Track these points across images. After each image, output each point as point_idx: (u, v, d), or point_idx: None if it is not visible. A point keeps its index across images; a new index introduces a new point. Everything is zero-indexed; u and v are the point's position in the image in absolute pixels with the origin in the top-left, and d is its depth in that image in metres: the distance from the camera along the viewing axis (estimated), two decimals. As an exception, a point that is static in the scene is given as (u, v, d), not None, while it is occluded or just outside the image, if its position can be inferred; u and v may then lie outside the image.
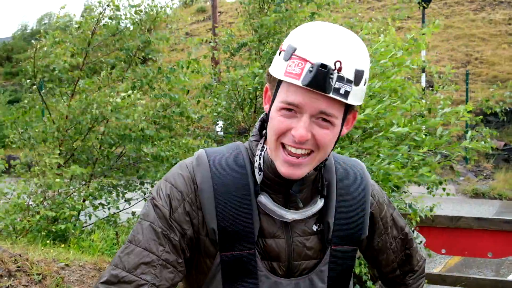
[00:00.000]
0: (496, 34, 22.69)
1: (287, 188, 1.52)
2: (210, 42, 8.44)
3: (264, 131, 1.55)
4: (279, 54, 1.42)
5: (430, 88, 5.35)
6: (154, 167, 7.06)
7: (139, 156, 7.52)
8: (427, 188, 5.37)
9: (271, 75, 1.46)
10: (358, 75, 1.37)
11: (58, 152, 6.59)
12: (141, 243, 1.47)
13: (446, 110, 4.63)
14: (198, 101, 7.61)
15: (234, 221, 1.49)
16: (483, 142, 4.97)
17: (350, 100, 1.37)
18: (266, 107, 1.52)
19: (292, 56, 1.36)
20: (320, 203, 1.56)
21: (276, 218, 1.51)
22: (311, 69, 1.31)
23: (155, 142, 7.10)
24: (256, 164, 1.53)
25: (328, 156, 1.53)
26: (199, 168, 1.53)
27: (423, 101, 5.08)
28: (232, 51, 7.58)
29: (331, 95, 1.33)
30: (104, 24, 7.56)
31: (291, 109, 1.39)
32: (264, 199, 1.50)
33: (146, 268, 1.44)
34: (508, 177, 14.91)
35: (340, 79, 1.33)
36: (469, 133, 4.98)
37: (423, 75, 15.60)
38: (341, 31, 1.40)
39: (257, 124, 1.61)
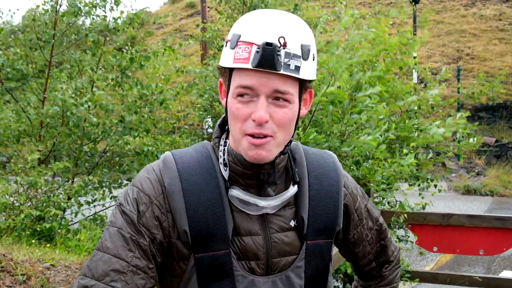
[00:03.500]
0: (487, 29, 22.77)
1: (257, 179, 1.51)
2: (200, 36, 8.41)
3: (226, 127, 1.55)
4: (226, 45, 1.43)
5: (422, 85, 5.30)
6: (138, 161, 7.00)
7: (122, 151, 7.45)
8: (418, 186, 5.34)
9: (222, 68, 1.46)
10: (305, 49, 1.39)
11: (37, 149, 6.51)
12: (109, 249, 1.42)
13: (444, 109, 4.60)
14: (178, 92, 7.53)
15: (206, 221, 1.45)
16: (471, 140, 4.95)
17: (302, 75, 1.40)
18: (223, 101, 1.52)
19: (238, 43, 1.38)
20: (293, 188, 1.54)
21: (251, 213, 1.49)
22: (258, 50, 1.34)
23: (138, 133, 7.02)
24: (220, 160, 1.51)
25: (292, 137, 1.52)
26: (166, 170, 1.50)
27: (415, 97, 5.05)
28: (218, 46, 7.53)
29: (282, 71, 1.35)
30: (63, 14, 7.44)
31: (247, 94, 1.39)
32: (235, 191, 1.48)
33: (116, 275, 1.39)
34: (499, 174, 14.97)
35: (288, 55, 1.36)
36: (465, 127, 4.94)
37: (414, 71, 15.59)
38: (281, 12, 1.44)
39: (219, 121, 1.60)
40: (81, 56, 7.45)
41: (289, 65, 1.36)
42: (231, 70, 1.42)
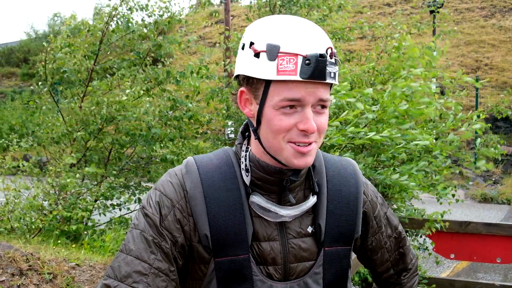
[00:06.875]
0: (506, 40, 22.58)
1: (279, 186, 1.51)
2: (220, 44, 8.48)
3: (246, 133, 1.59)
4: (256, 55, 1.38)
5: (441, 94, 5.32)
6: (164, 169, 7.08)
7: (150, 157, 7.55)
8: (436, 194, 5.36)
9: (249, 78, 1.43)
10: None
11: (70, 152, 6.63)
12: (132, 251, 1.45)
13: (460, 115, 4.61)
14: (208, 103, 7.62)
15: (227, 226, 1.47)
16: (493, 149, 4.95)
17: (337, 80, 1.41)
18: (246, 111, 1.50)
19: (279, 54, 1.34)
20: (313, 199, 1.55)
21: (270, 219, 1.50)
22: (308, 61, 1.32)
23: (164, 143, 7.13)
24: (242, 166, 1.52)
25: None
26: (188, 175, 1.52)
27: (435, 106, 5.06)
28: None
29: (327, 81, 1.36)
30: (115, 27, 7.62)
31: (292, 105, 1.38)
32: (256, 198, 1.49)
33: (138, 277, 1.41)
34: (516, 183, 14.85)
35: (331, 64, 1.36)
36: (478, 140, 4.96)
37: (433, 80, 15.54)
38: (305, 20, 1.43)
39: (241, 128, 1.61)
40: (127, 65, 7.59)
41: (331, 73, 1.36)
42: (268, 81, 1.39)
